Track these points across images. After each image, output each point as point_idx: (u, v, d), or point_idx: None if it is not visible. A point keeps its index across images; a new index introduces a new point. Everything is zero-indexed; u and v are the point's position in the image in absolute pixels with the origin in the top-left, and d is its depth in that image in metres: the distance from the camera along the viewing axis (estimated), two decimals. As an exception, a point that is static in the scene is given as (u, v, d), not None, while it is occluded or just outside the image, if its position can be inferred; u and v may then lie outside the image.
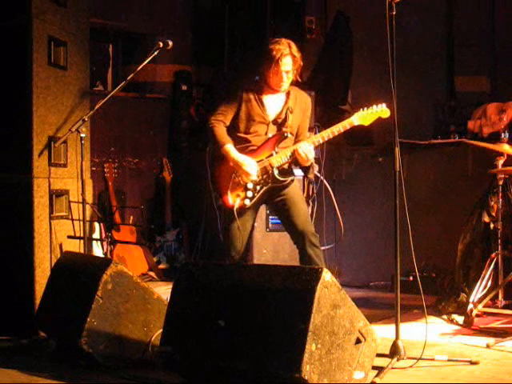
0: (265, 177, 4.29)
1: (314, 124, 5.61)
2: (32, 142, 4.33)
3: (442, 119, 6.32)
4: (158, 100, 7.70)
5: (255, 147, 4.31)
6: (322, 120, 5.94)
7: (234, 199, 4.27)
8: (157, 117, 7.73)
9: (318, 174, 5.80)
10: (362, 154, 6.60)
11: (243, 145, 4.32)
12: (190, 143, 7.67)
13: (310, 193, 5.83)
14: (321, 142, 4.28)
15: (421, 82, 6.69)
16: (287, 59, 4.24)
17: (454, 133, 6.07)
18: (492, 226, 4.78)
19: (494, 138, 5.30)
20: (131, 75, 4.33)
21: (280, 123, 4.35)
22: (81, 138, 4.37)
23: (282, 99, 4.38)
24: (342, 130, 4.23)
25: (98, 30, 6.93)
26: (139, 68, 4.34)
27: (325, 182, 5.82)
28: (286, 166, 4.33)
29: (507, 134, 4.72)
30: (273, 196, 4.36)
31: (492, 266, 4.60)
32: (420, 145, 5.94)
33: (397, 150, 3.55)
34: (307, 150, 4.22)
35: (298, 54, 4.28)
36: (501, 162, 4.67)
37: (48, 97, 4.46)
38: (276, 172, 4.28)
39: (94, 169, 6.71)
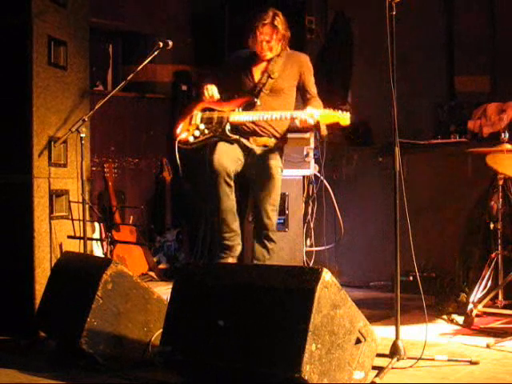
0: (216, 126, 4.38)
1: (314, 124, 5.60)
2: (32, 142, 4.32)
3: (442, 119, 6.31)
4: (157, 100, 7.70)
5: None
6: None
7: (182, 131, 4.43)
8: (157, 117, 7.73)
9: (318, 174, 5.80)
10: (361, 154, 6.59)
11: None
12: (190, 143, 7.66)
13: (310, 193, 5.84)
14: (278, 118, 4.29)
15: (421, 82, 6.69)
16: (266, 29, 4.33)
17: (454, 133, 6.06)
18: (492, 225, 4.77)
19: (494, 138, 5.29)
20: (131, 75, 4.33)
21: (262, 88, 4.41)
22: (81, 138, 4.37)
23: (263, 65, 4.47)
24: (299, 119, 4.18)
25: (98, 30, 6.92)
26: (139, 68, 4.34)
27: (325, 182, 5.82)
28: (242, 128, 4.38)
29: (507, 134, 4.71)
30: (239, 165, 4.39)
31: (492, 266, 4.59)
32: (420, 145, 5.94)
33: (397, 149, 3.55)
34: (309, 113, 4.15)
35: (280, 26, 4.35)
36: (501, 161, 4.66)
37: (48, 97, 4.46)
38: (228, 127, 4.35)
39: (94, 169, 6.71)
